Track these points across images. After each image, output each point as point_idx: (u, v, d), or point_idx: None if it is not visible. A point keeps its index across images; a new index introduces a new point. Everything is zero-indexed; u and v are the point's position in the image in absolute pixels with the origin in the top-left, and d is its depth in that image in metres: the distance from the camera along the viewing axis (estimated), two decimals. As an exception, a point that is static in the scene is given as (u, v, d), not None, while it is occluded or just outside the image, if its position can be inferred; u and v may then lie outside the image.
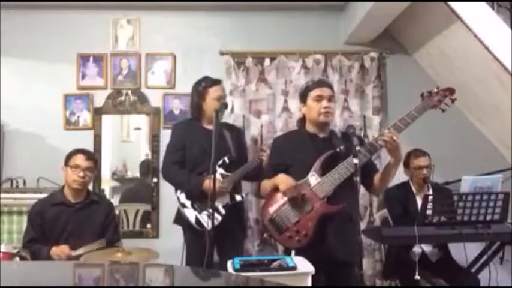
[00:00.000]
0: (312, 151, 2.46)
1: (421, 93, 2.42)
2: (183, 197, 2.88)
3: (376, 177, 2.48)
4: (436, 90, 2.40)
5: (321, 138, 2.52)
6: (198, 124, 2.97)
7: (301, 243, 2.37)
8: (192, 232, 2.89)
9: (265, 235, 2.58)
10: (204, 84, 2.94)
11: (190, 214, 2.85)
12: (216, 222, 2.75)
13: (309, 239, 2.37)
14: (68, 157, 2.80)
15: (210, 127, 2.91)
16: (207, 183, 2.75)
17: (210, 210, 2.78)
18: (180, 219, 2.95)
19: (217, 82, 2.98)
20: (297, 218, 2.40)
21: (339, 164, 2.37)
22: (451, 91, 2.40)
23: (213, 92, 2.91)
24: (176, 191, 2.93)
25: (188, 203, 2.87)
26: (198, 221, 2.83)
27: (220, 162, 2.84)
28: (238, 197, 2.89)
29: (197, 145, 2.89)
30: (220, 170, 2.85)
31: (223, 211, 2.82)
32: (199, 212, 2.84)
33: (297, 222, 2.40)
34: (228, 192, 2.86)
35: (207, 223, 2.78)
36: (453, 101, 2.41)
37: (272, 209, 2.46)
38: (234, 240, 2.91)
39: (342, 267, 2.38)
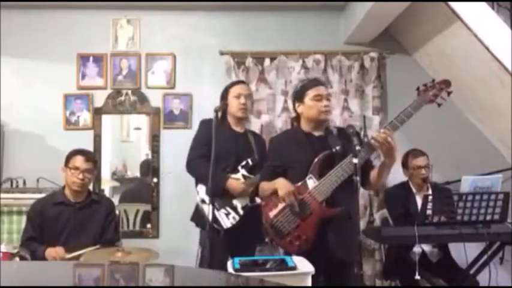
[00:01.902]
0: (309, 151, 2.45)
1: (416, 88, 2.40)
2: (202, 192, 2.84)
3: (372, 174, 2.47)
4: (431, 83, 2.38)
5: (316, 136, 2.50)
6: (225, 124, 2.95)
7: (302, 248, 2.36)
8: (209, 230, 2.87)
9: (266, 240, 2.58)
10: (227, 86, 3.00)
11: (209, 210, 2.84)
12: (234, 222, 2.76)
13: (310, 243, 2.36)
14: (68, 158, 2.80)
15: (237, 129, 2.94)
16: (231, 182, 2.77)
17: (228, 209, 2.80)
18: (197, 216, 2.91)
19: (238, 82, 3.07)
20: (297, 223, 2.39)
21: (336, 165, 2.36)
22: (447, 83, 2.37)
23: (233, 91, 2.93)
24: (196, 185, 2.90)
25: (207, 199, 2.84)
26: (215, 218, 2.81)
27: (243, 163, 2.83)
28: (258, 200, 2.81)
29: (222, 144, 2.86)
30: (242, 171, 2.84)
31: (241, 212, 2.79)
32: (218, 210, 2.82)
33: (297, 226, 2.39)
34: (248, 193, 2.81)
35: (224, 221, 2.78)
36: (449, 93, 2.39)
37: (272, 214, 2.45)
38: (251, 243, 2.87)
39: (341, 267, 2.38)
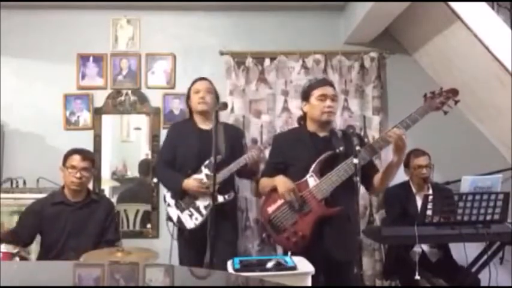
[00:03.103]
0: (312, 150, 2.46)
1: (423, 94, 2.40)
2: (168, 196, 2.93)
3: (376, 178, 2.48)
4: (439, 91, 2.39)
5: (321, 137, 2.52)
6: (192, 124, 3.01)
7: (299, 244, 2.37)
8: (180, 231, 2.92)
9: (264, 235, 2.60)
10: (191, 83, 3.05)
11: (173, 213, 2.89)
12: (197, 223, 2.80)
13: (307, 241, 2.37)
14: (65, 158, 2.81)
15: (203, 126, 2.97)
16: (187, 182, 2.81)
17: (192, 210, 2.83)
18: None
19: (199, 79, 3.07)
20: (295, 219, 2.40)
21: (338, 165, 2.37)
22: (455, 92, 2.38)
23: (194, 87, 3.00)
24: (164, 189, 2.99)
25: (172, 202, 2.91)
26: (179, 219, 2.86)
27: (206, 162, 2.84)
28: (220, 198, 2.82)
29: (187, 145, 2.92)
30: (205, 171, 2.84)
31: (204, 211, 2.81)
32: (181, 211, 2.86)
33: (295, 223, 2.40)
34: (210, 192, 2.83)
35: (187, 222, 2.84)
36: (456, 102, 2.39)
37: (271, 209, 2.47)
38: (224, 241, 2.83)
39: (340, 267, 2.38)
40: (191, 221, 2.82)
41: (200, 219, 2.80)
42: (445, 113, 2.39)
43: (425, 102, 2.38)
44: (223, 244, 2.79)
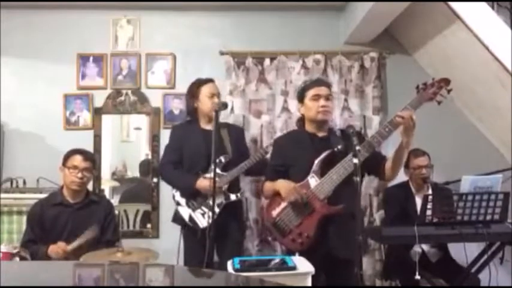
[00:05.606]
0: (311, 151, 2.47)
1: (416, 86, 2.40)
2: (178, 195, 2.93)
3: (388, 164, 2.47)
4: (431, 81, 2.38)
5: (320, 137, 2.53)
6: (195, 125, 3.01)
7: (304, 245, 2.38)
8: (189, 230, 2.91)
9: (269, 238, 2.61)
10: (197, 84, 3.01)
11: (185, 212, 2.89)
12: (210, 221, 2.77)
13: (312, 241, 2.38)
14: (66, 158, 2.80)
15: (207, 127, 2.96)
16: (200, 181, 2.81)
17: (204, 209, 2.82)
18: (177, 217, 2.98)
19: (209, 80, 3.04)
20: (299, 221, 2.41)
21: (338, 163, 2.38)
22: (446, 82, 2.36)
23: (205, 89, 2.97)
24: (172, 189, 2.98)
25: (183, 201, 2.91)
26: (191, 218, 2.87)
27: (216, 161, 2.85)
28: (232, 197, 2.89)
29: (193, 145, 2.92)
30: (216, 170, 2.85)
31: (217, 210, 2.81)
32: (193, 210, 2.87)
33: (299, 224, 2.41)
34: (222, 191, 2.86)
35: (200, 221, 2.84)
36: (449, 91, 2.38)
37: (275, 213, 2.48)
38: (233, 240, 2.90)
39: (344, 265, 2.38)
40: (204, 219, 2.82)
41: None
42: (439, 103, 2.37)
43: (417, 94, 2.37)
44: (231, 244, 2.82)
